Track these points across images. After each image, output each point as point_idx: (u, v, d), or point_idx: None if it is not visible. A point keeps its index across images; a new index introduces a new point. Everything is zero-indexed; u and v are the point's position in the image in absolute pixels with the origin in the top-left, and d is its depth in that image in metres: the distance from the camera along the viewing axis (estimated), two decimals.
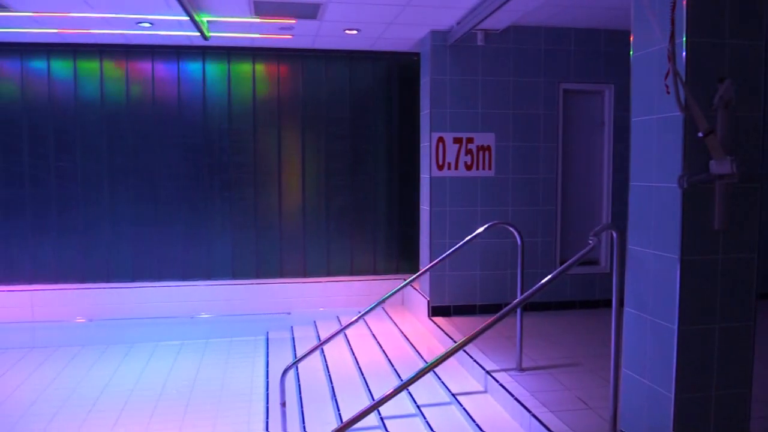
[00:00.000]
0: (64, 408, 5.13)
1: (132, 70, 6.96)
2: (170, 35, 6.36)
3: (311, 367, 5.46)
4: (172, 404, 5.22)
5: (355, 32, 6.27)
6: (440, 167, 6.20)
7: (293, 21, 5.83)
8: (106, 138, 6.97)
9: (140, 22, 5.84)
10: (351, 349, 5.81)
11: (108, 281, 7.03)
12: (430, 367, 3.14)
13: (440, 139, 6.18)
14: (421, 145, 6.67)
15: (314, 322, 6.91)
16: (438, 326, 5.83)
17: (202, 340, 6.96)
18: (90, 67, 6.90)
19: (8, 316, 6.77)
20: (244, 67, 7.12)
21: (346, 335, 6.06)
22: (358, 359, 5.49)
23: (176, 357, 6.45)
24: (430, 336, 5.97)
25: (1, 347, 6.66)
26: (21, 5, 5.28)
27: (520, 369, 4.51)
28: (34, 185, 6.92)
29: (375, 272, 7.48)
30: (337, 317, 6.95)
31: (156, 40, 6.59)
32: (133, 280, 7.06)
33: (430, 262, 5.35)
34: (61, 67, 6.87)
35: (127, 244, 7.07)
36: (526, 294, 3.28)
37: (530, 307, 5.98)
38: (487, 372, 4.49)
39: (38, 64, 6.85)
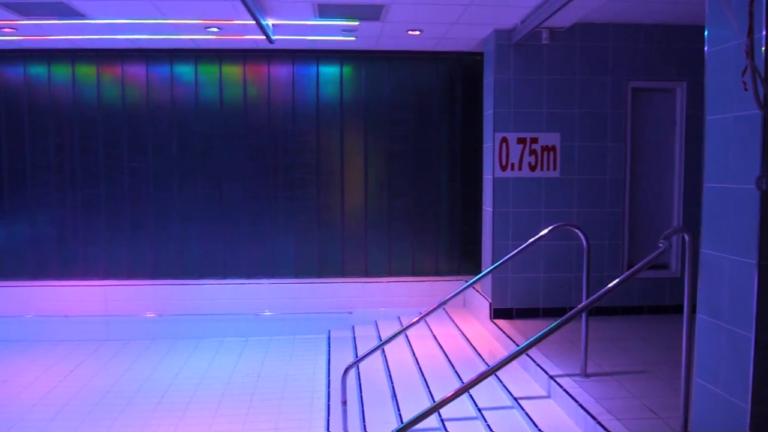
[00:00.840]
0: (134, 399, 5.34)
1: (201, 73, 7.18)
2: (237, 39, 6.52)
3: (372, 366, 5.49)
4: (237, 398, 5.35)
5: (417, 33, 6.27)
6: (504, 168, 6.12)
7: (356, 23, 5.87)
8: (176, 139, 7.21)
9: (208, 27, 6.02)
10: (412, 349, 5.81)
11: (177, 278, 7.27)
12: (492, 370, 3.11)
13: (504, 140, 6.10)
14: (484, 145, 6.60)
15: (375, 321, 6.94)
16: (500, 329, 5.75)
17: (266, 337, 7.11)
18: (161, 71, 7.16)
19: (84, 310, 7.10)
20: (308, 70, 7.23)
21: (406, 336, 6.06)
22: (419, 360, 5.48)
23: (241, 353, 6.60)
24: (491, 338, 5.91)
25: (78, 339, 7.00)
26: (97, 13, 5.52)
27: (585, 375, 4.40)
28: (109, 185, 7.23)
29: (436, 273, 7.46)
30: (398, 317, 6.96)
31: (223, 44, 6.77)
32: (200, 278, 7.28)
33: (493, 264, 5.29)
34: (133, 72, 7.15)
35: (195, 243, 7.29)
36: (592, 297, 3.20)
37: (596, 311, 5.82)
38: (551, 377, 4.40)
39: (113, 70, 7.15)
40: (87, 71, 7.15)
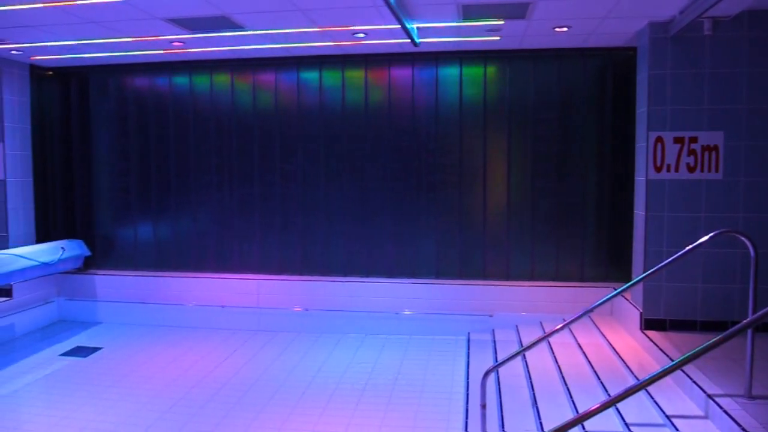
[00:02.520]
0: (281, 388, 5.64)
1: (348, 78, 7.44)
2: (382, 44, 6.67)
3: (512, 371, 5.37)
4: (377, 394, 5.47)
5: (565, 29, 6.05)
6: (658, 169, 5.73)
7: (501, 22, 5.79)
8: (324, 142, 7.52)
9: (356, 33, 6.21)
10: (554, 357, 5.62)
11: (323, 275, 7.59)
12: (643, 384, 2.92)
13: (659, 139, 5.71)
14: (637, 145, 6.23)
15: (516, 326, 6.79)
16: (651, 341, 5.40)
17: (406, 336, 7.20)
18: (310, 77, 7.51)
19: (239, 301, 7.62)
20: (451, 71, 7.23)
21: (549, 342, 5.87)
22: (562, 368, 5.29)
23: (381, 350, 6.75)
24: (641, 350, 5.56)
25: (232, 328, 7.53)
26: (255, 25, 5.89)
27: (749, 396, 4.01)
28: (263, 186, 7.70)
29: (582, 279, 7.16)
30: (540, 323, 6.76)
31: (369, 49, 6.96)
32: (344, 275, 7.54)
33: (645, 271, 4.97)
34: (285, 78, 7.56)
35: (340, 241, 7.57)
36: (761, 312, 2.90)
37: (763, 327, 5.29)
38: (709, 396, 4.06)
39: (266, 77, 7.61)
40: (244, 79, 7.68)
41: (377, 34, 6.23)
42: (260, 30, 6.10)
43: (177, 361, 6.42)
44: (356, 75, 7.43)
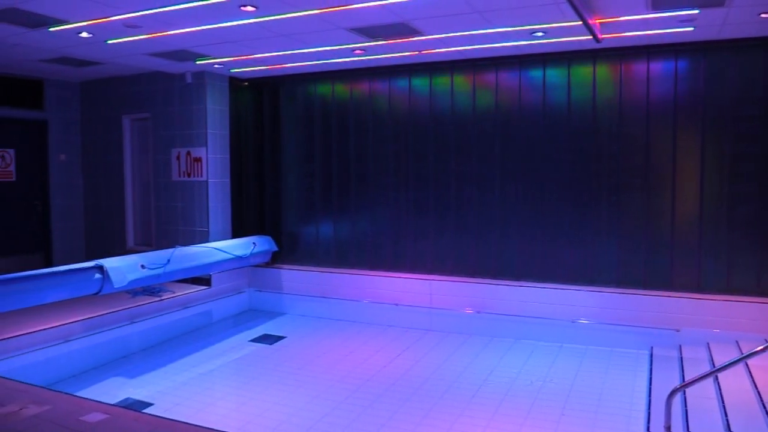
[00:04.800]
0: (451, 389, 5.66)
1: (525, 78, 7.28)
2: (561, 42, 6.45)
3: (702, 393, 4.92)
4: (549, 404, 5.29)
5: None
6: None
7: (696, 11, 5.32)
8: (499, 144, 7.44)
9: (534, 32, 6.06)
10: (753, 381, 5.05)
11: (495, 278, 7.50)
12: None
13: None
14: None
15: (707, 343, 6.20)
16: None
17: (581, 345, 6.89)
18: (485, 79, 7.46)
19: (412, 300, 7.78)
20: (637, 67, 6.79)
21: (747, 365, 5.28)
22: (762, 395, 4.73)
23: (555, 359, 6.52)
24: None
25: (405, 326, 7.72)
26: (432, 29, 5.99)
27: None
28: (437, 187, 7.80)
29: None
30: (736, 342, 6.10)
31: (547, 48, 6.76)
32: (517, 279, 7.39)
33: None
34: (461, 80, 7.58)
35: (514, 245, 7.43)
36: None
37: None
38: None
39: (442, 80, 7.69)
40: (421, 83, 7.83)
41: (556, 32, 6.03)
42: (437, 34, 6.19)
43: (352, 355, 6.72)
44: (533, 75, 7.25)
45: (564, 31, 6.01)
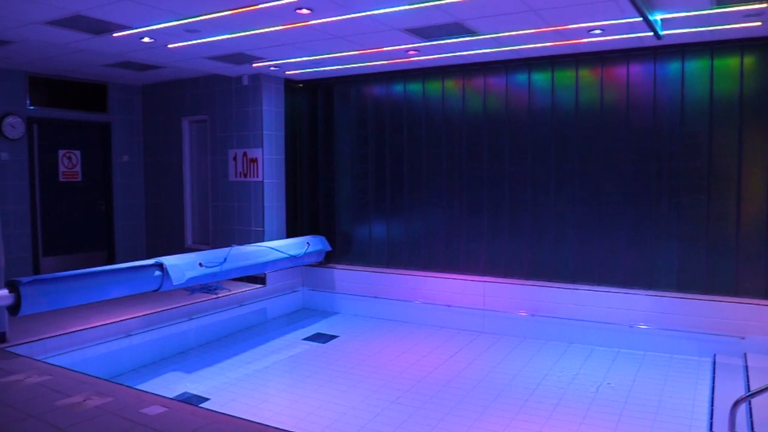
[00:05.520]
0: (503, 393, 5.59)
1: (581, 77, 7.14)
2: (619, 39, 6.29)
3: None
4: (605, 411, 5.17)
5: None
6: None
7: (763, 5, 5.11)
8: (555, 144, 7.31)
9: (591, 30, 5.94)
10: None
11: (550, 280, 7.37)
12: None
13: None
14: None
15: None
16: None
17: (639, 351, 6.70)
18: (541, 78, 7.35)
19: (465, 302, 7.73)
20: (700, 64, 6.56)
21: None
22: None
23: (611, 364, 6.37)
24: None
25: (458, 328, 7.67)
26: (486, 29, 5.93)
27: None
28: (491, 188, 7.72)
29: None
30: None
31: (604, 46, 6.61)
32: (573, 282, 7.24)
33: None
34: (515, 80, 7.49)
35: (569, 247, 7.29)
36: None
37: None
38: None
39: (496, 80, 7.61)
40: (473, 84, 7.77)
41: (615, 29, 5.89)
42: (491, 34, 6.13)
43: (404, 355, 6.72)
44: (590, 74, 7.10)
45: (623, 28, 5.86)
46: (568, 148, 7.25)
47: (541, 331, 7.25)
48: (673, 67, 6.68)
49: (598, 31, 5.99)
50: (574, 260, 7.27)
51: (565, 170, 7.28)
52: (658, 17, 5.52)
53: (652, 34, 5.78)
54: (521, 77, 7.48)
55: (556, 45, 6.60)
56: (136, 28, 5.93)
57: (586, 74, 7.12)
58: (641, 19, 5.21)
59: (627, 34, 6.07)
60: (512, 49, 6.83)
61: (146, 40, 6.34)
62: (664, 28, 5.81)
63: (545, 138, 7.37)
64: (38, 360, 5.21)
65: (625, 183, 6.95)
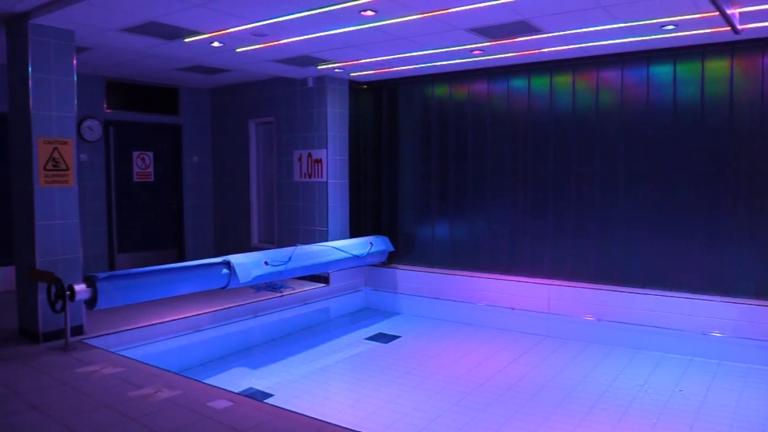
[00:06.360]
0: (568, 399, 5.46)
1: (652, 74, 6.90)
2: (694, 35, 6.05)
3: None
4: (675, 422, 4.97)
5: None
6: None
7: None
8: (624, 144, 7.09)
9: (664, 26, 5.73)
10: None
11: (618, 284, 7.16)
12: None
13: None
14: None
15: None
16: None
17: (714, 360, 6.42)
18: (610, 76, 7.14)
19: (529, 305, 7.60)
20: None
21: None
22: None
23: (683, 373, 6.12)
24: None
25: (521, 331, 7.56)
26: (553, 27, 5.81)
27: None
28: (557, 189, 7.57)
29: None
30: None
31: (677, 42, 6.36)
32: (643, 287, 7.01)
33: None
34: (582, 79, 7.31)
35: (640, 250, 7.05)
36: None
37: None
38: None
39: (562, 79, 7.45)
40: (540, 82, 7.63)
41: (689, 24, 5.66)
42: (558, 32, 6.01)
43: (466, 357, 6.66)
44: (662, 71, 6.85)
45: (698, 23, 5.63)
46: (638, 148, 7.02)
47: (607, 336, 7.04)
48: (752, 62, 6.36)
49: (670, 27, 5.78)
50: (644, 264, 7.03)
51: (634, 170, 7.05)
52: (736, 11, 5.27)
53: (729, 28, 5.53)
54: (588, 76, 7.29)
55: (626, 42, 6.40)
56: (206, 33, 6.11)
57: (657, 71, 6.88)
58: (717, 13, 4.98)
59: (702, 29, 5.83)
60: (580, 47, 6.67)
61: (215, 44, 6.52)
62: (741, 22, 5.55)
63: (614, 137, 7.16)
64: (112, 352, 5.44)
65: (700, 183, 6.67)
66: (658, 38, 6.22)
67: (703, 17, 5.40)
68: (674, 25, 5.69)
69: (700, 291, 6.68)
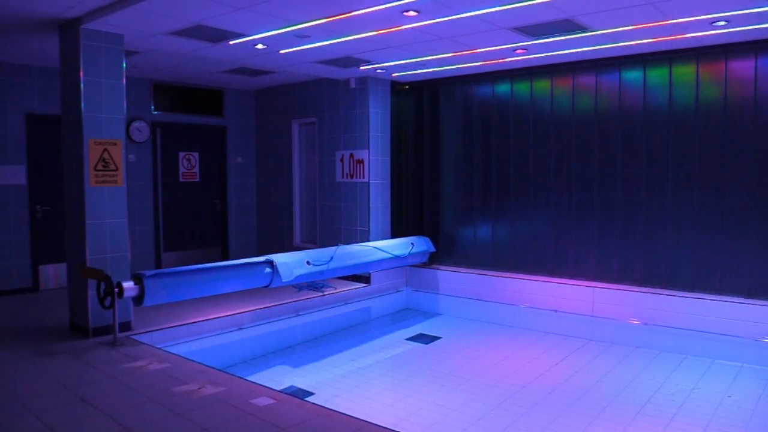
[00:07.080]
0: (613, 403, 5.35)
1: (702, 72, 6.71)
2: (746, 31, 5.86)
3: None
4: (725, 428, 4.82)
5: None
6: None
7: None
8: (673, 143, 6.92)
9: (714, 22, 5.57)
10: None
11: (665, 287, 6.98)
12: None
13: None
14: None
15: None
16: None
17: (766, 367, 6.21)
18: (657, 74, 6.97)
19: (572, 308, 7.47)
20: None
21: None
22: None
23: (733, 380, 5.93)
24: None
25: (565, 334, 7.44)
26: (599, 24, 5.71)
27: None
28: (602, 190, 7.43)
29: None
30: None
31: (728, 38, 6.17)
32: (692, 290, 6.82)
33: None
34: (629, 77, 7.15)
35: (688, 252, 6.87)
36: None
37: None
38: None
39: (608, 78, 7.30)
40: (584, 82, 7.50)
41: (741, 19, 5.49)
42: (604, 29, 5.89)
43: (508, 360, 6.59)
44: (712, 68, 6.65)
45: (750, 19, 5.45)
46: (688, 148, 6.83)
47: (654, 340, 6.88)
48: None
49: (722, 23, 5.61)
50: (693, 267, 6.84)
51: (684, 171, 6.87)
52: None
53: None
54: (635, 74, 7.13)
55: (674, 39, 6.24)
56: (250, 36, 6.20)
57: (707, 69, 6.68)
58: None
59: (755, 24, 5.64)
60: (626, 45, 6.53)
61: (260, 46, 6.61)
62: None
63: (662, 137, 6.99)
64: (158, 348, 5.57)
65: (753, 184, 6.46)
66: (708, 35, 6.05)
67: (756, 12, 5.22)
68: (726, 21, 5.52)
69: (753, 296, 6.46)
